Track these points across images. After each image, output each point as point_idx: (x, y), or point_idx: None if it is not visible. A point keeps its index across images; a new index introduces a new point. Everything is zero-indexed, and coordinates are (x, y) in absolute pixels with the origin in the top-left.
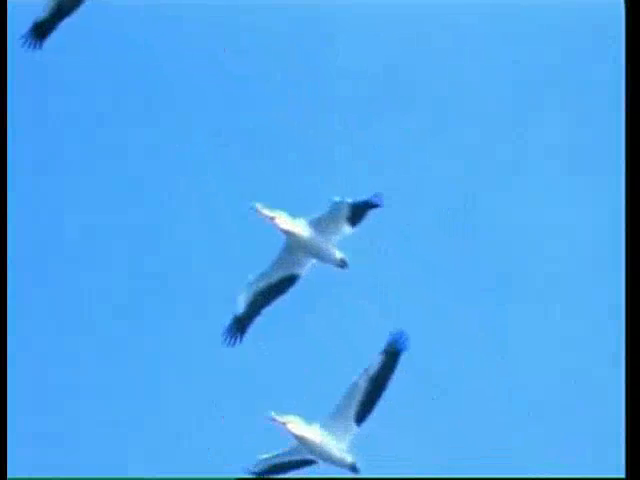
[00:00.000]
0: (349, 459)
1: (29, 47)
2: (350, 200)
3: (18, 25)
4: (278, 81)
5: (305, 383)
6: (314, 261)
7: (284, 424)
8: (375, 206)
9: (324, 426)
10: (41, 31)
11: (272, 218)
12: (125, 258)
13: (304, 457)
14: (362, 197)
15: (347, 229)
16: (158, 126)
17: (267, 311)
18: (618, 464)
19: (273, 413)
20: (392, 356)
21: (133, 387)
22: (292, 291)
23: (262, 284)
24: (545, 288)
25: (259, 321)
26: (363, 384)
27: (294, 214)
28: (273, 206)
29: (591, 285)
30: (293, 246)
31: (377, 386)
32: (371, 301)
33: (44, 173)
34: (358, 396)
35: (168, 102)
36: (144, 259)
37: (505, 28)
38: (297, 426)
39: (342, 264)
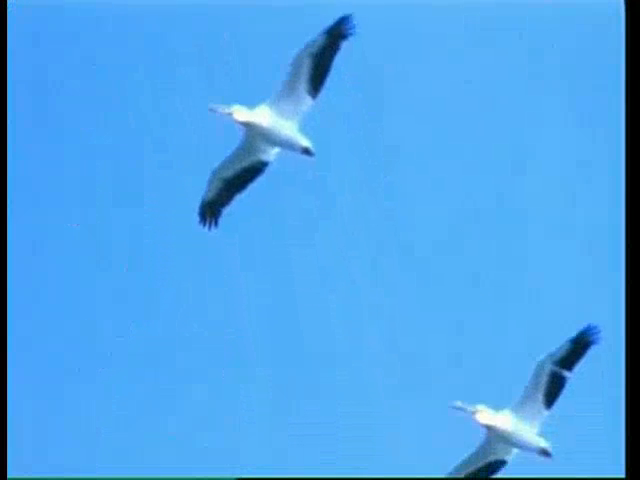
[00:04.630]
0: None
1: (203, 226)
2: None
3: (18, 25)
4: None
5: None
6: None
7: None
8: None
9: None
10: (211, 210)
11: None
12: None
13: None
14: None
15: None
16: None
17: None
18: (618, 464)
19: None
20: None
21: (134, 386)
22: None
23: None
24: (544, 289)
25: None
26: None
27: None
28: None
29: (591, 285)
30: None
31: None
32: None
33: (44, 173)
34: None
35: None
36: None
37: (504, 28)
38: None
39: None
